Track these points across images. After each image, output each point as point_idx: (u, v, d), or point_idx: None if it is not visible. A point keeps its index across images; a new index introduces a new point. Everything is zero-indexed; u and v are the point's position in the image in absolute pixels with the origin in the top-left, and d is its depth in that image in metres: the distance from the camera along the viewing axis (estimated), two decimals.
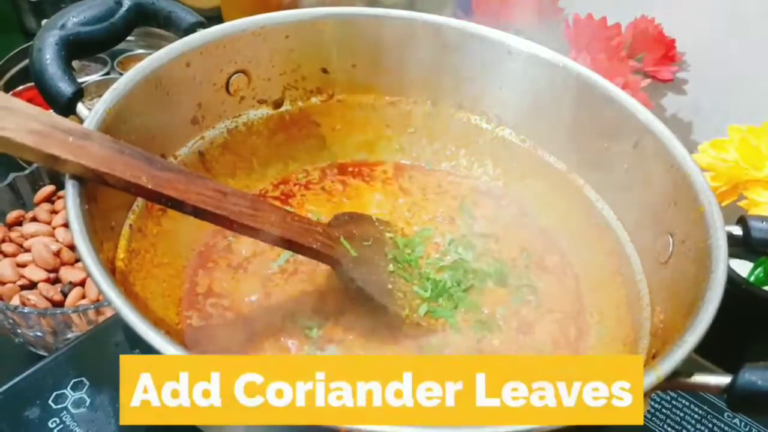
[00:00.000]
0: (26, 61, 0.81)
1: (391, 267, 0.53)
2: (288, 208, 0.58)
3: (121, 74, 0.84)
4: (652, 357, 0.42)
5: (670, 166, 0.49)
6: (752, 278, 0.68)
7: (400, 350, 0.49)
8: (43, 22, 0.85)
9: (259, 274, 0.54)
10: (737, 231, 0.44)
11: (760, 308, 0.65)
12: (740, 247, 0.44)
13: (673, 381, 0.34)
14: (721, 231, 0.42)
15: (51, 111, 0.71)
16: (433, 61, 0.61)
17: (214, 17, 0.90)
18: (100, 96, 0.82)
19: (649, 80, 0.73)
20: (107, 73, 0.89)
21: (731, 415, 0.57)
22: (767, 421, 0.56)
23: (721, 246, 0.41)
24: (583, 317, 0.53)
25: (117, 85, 0.47)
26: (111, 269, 0.44)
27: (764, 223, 0.43)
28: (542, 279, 0.56)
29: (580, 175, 0.58)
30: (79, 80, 0.47)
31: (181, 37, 0.53)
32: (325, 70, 0.61)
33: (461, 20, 0.61)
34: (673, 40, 0.75)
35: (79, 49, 0.49)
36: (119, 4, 0.52)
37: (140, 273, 0.48)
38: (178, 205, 0.43)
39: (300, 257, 0.54)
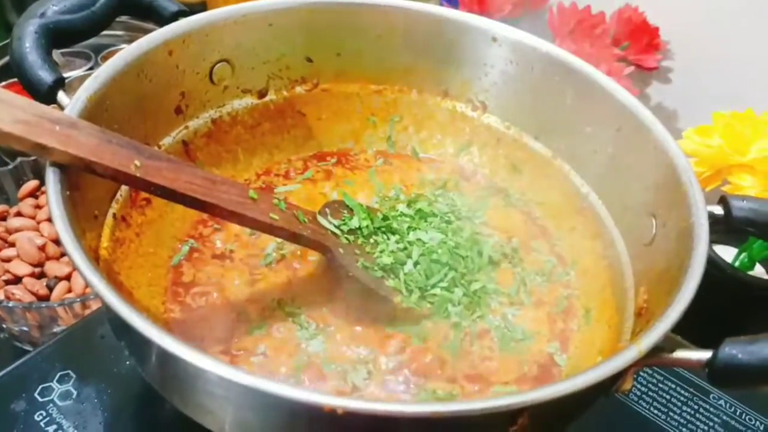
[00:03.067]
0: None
1: (380, 253, 0.53)
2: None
3: None
4: (636, 336, 0.42)
5: (652, 149, 0.49)
6: (737, 263, 0.69)
7: (390, 335, 0.49)
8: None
9: (246, 262, 0.54)
10: (718, 210, 0.45)
11: (745, 293, 0.66)
12: (721, 225, 0.45)
13: (656, 357, 0.34)
14: (702, 210, 0.42)
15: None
16: (418, 49, 0.61)
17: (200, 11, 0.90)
18: None
19: (632, 68, 0.73)
20: (91, 68, 0.88)
21: (717, 396, 0.57)
22: (751, 402, 0.57)
23: (703, 224, 0.41)
24: (570, 301, 0.54)
25: (99, 73, 0.46)
26: (95, 258, 0.44)
27: (744, 202, 0.44)
28: (529, 264, 0.56)
29: (566, 161, 0.58)
30: (63, 75, 0.47)
31: (163, 26, 0.53)
32: (309, 59, 0.61)
33: (444, 8, 0.61)
34: (657, 29, 0.75)
35: (59, 37, 0.49)
36: None
37: (125, 263, 0.48)
38: (167, 193, 0.43)
39: (287, 245, 0.54)
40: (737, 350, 0.34)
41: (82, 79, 0.84)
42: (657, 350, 0.34)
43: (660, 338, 0.34)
